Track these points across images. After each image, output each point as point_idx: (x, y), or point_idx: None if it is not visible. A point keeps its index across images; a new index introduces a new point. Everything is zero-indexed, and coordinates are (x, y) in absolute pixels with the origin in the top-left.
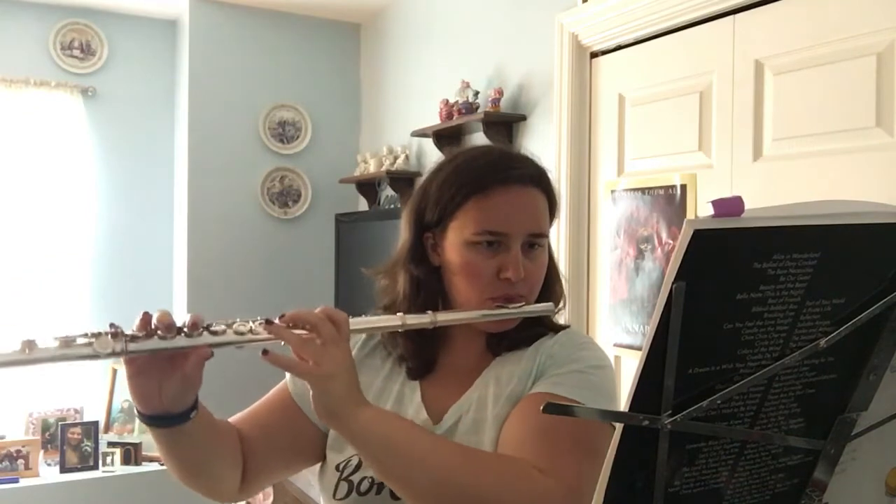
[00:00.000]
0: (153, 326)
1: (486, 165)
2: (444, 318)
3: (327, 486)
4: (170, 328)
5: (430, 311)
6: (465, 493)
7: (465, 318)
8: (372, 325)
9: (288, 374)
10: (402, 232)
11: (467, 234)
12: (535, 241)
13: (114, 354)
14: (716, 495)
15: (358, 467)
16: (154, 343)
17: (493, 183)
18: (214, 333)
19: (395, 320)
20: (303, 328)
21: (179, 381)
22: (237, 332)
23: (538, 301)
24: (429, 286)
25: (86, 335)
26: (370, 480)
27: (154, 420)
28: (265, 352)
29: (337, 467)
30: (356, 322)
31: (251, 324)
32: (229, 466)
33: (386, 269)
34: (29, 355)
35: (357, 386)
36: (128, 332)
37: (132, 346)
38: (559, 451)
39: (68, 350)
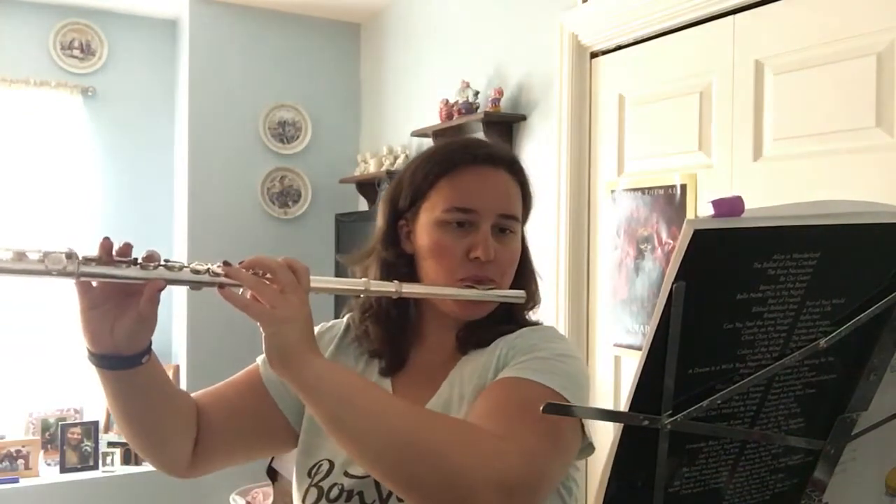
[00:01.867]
0: (113, 253)
1: (457, 148)
2: (409, 289)
3: (298, 491)
4: (125, 255)
5: (395, 281)
6: (415, 448)
7: (431, 293)
8: (335, 285)
9: (260, 358)
10: (377, 221)
11: (438, 212)
12: (506, 224)
13: (65, 274)
14: (716, 495)
15: (328, 473)
16: (107, 269)
17: (463, 162)
18: (171, 269)
19: (358, 284)
20: (264, 276)
21: (133, 319)
22: (194, 271)
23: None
24: (398, 270)
25: (39, 251)
26: (339, 487)
27: (103, 360)
28: (221, 286)
29: (308, 472)
30: (319, 280)
31: (210, 265)
32: (179, 433)
33: (360, 257)
34: None
35: (312, 336)
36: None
37: (84, 269)
38: (519, 424)
39: (19, 263)
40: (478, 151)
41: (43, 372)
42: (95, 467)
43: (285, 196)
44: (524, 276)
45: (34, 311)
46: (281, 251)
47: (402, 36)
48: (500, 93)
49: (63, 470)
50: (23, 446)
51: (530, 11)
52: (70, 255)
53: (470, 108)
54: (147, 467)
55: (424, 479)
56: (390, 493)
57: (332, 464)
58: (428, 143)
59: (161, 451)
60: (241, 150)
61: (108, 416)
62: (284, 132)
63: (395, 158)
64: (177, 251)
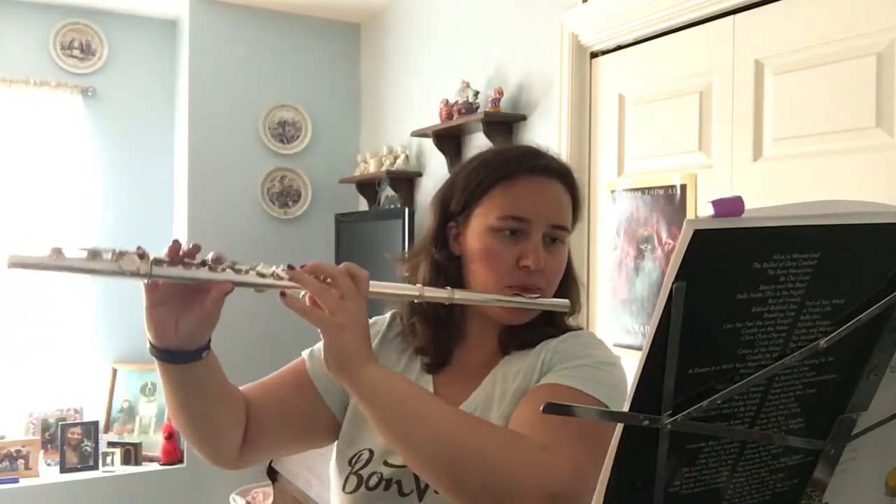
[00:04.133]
0: (181, 254)
1: (514, 156)
2: (461, 295)
3: (337, 479)
4: (192, 256)
5: (448, 287)
6: (466, 455)
7: (482, 299)
8: (391, 290)
9: (306, 353)
10: (427, 221)
11: (491, 219)
12: (557, 234)
13: (137, 275)
14: (716, 495)
15: (368, 462)
16: (178, 271)
17: (519, 171)
18: (238, 272)
19: (413, 290)
20: (324, 280)
21: (197, 316)
22: (259, 274)
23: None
24: (449, 272)
25: (112, 251)
26: (379, 476)
27: (165, 354)
28: (283, 293)
29: (349, 461)
30: (375, 285)
31: (274, 268)
32: (231, 425)
33: (409, 257)
34: (56, 261)
35: (368, 342)
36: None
37: (156, 270)
38: (565, 434)
39: (94, 263)
40: (534, 162)
41: (43, 372)
42: (95, 467)
43: (285, 196)
44: (567, 282)
45: (35, 311)
46: (281, 251)
47: (402, 36)
48: (500, 93)
49: (63, 470)
50: (23, 446)
51: (530, 11)
52: (143, 256)
53: (470, 108)
54: (147, 467)
55: (472, 485)
56: (428, 483)
57: (372, 453)
58: (428, 143)
59: (213, 442)
60: (241, 150)
61: (109, 415)
62: (284, 132)
63: (395, 158)
64: None
